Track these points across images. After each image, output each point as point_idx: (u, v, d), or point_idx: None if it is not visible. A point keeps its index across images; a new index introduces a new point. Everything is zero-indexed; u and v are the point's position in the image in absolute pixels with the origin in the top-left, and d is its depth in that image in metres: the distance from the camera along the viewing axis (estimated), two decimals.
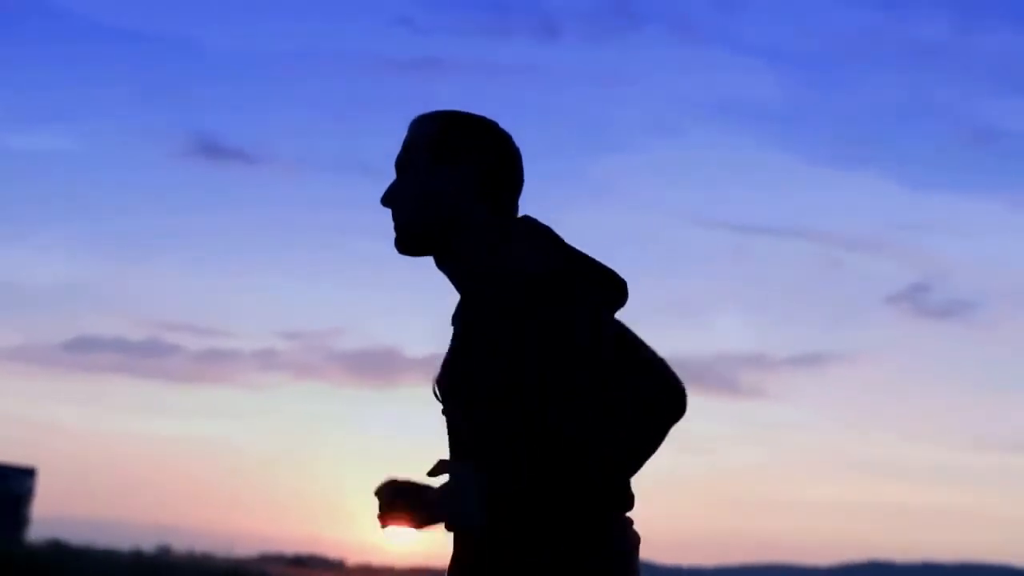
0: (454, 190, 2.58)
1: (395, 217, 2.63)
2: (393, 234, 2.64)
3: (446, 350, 2.60)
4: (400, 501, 2.47)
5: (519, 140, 2.67)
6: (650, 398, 2.38)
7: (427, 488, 2.47)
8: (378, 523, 2.50)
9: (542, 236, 2.54)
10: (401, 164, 2.65)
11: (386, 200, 2.64)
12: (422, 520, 2.47)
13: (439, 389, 2.59)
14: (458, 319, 2.58)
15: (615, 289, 2.53)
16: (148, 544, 25.13)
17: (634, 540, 2.49)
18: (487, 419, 2.46)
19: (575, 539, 2.41)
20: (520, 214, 2.64)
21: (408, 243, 2.63)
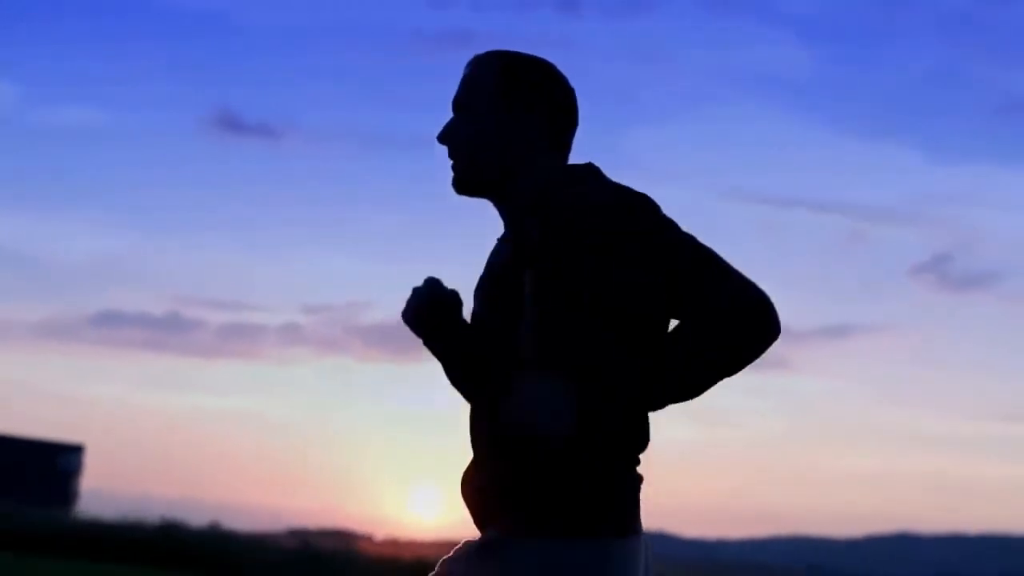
0: (517, 131, 2.54)
1: (454, 156, 2.58)
2: (450, 173, 2.58)
3: (488, 265, 2.57)
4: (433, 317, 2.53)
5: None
6: (731, 313, 2.34)
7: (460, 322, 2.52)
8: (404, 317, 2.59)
9: (606, 178, 2.51)
10: (460, 103, 2.59)
11: (443, 138, 2.59)
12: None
13: (483, 296, 2.54)
14: (514, 240, 2.50)
15: None
16: (173, 517, 25.18)
17: (640, 479, 2.46)
18: (560, 337, 2.39)
19: (592, 473, 2.37)
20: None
21: (469, 183, 2.58)
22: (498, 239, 2.59)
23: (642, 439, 2.45)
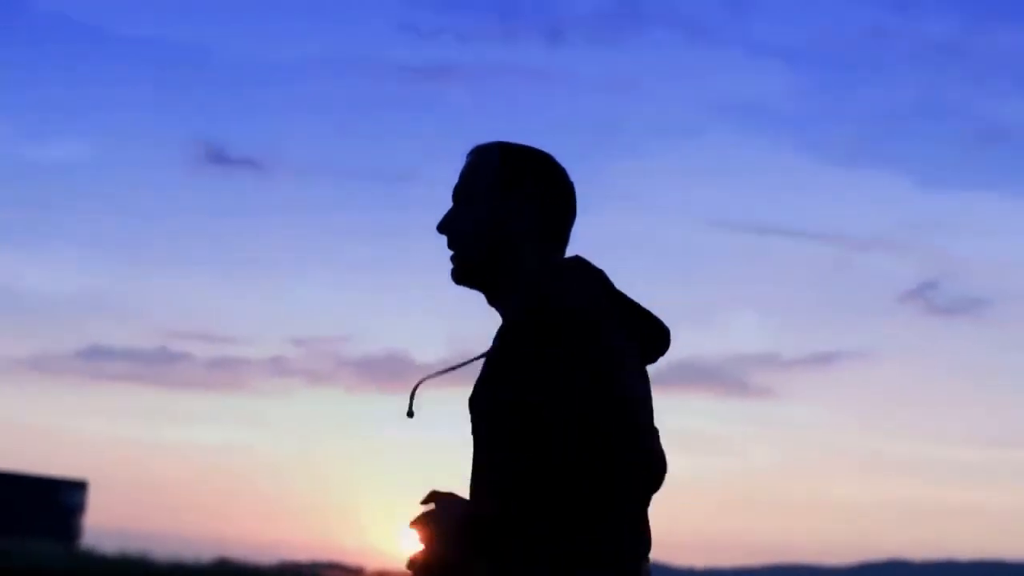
0: (516, 225, 2.50)
1: (453, 247, 2.55)
2: (450, 264, 2.55)
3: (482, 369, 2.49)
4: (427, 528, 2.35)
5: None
6: (639, 471, 2.30)
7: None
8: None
9: (590, 278, 2.46)
10: (460, 194, 2.56)
11: (443, 227, 2.56)
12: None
13: (471, 408, 2.48)
14: (496, 346, 2.47)
15: (656, 338, 2.48)
16: (165, 553, 25.12)
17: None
18: (500, 452, 2.37)
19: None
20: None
21: (467, 275, 2.54)
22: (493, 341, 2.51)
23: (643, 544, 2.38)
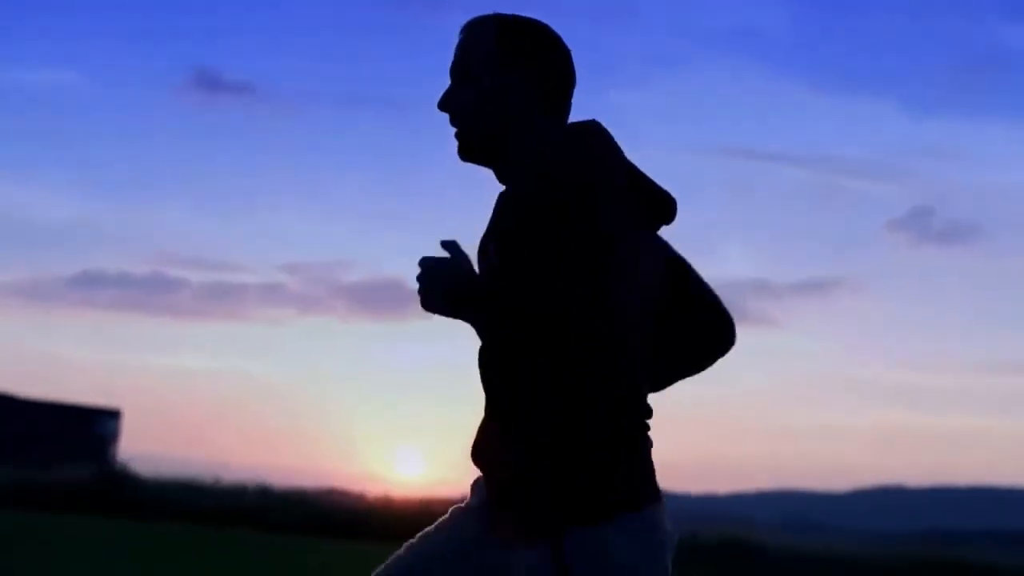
0: (517, 96, 2.44)
1: (455, 124, 2.48)
2: (455, 141, 2.48)
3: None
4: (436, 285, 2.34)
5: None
6: (702, 329, 2.46)
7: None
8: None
9: (603, 144, 2.36)
10: (458, 71, 2.49)
11: (443, 105, 2.48)
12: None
13: (490, 252, 2.42)
14: (502, 205, 2.43)
15: (660, 207, 2.43)
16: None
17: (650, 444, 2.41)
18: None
19: (607, 441, 2.31)
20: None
21: (472, 149, 2.47)
22: (498, 199, 2.47)
23: (645, 409, 2.39)
